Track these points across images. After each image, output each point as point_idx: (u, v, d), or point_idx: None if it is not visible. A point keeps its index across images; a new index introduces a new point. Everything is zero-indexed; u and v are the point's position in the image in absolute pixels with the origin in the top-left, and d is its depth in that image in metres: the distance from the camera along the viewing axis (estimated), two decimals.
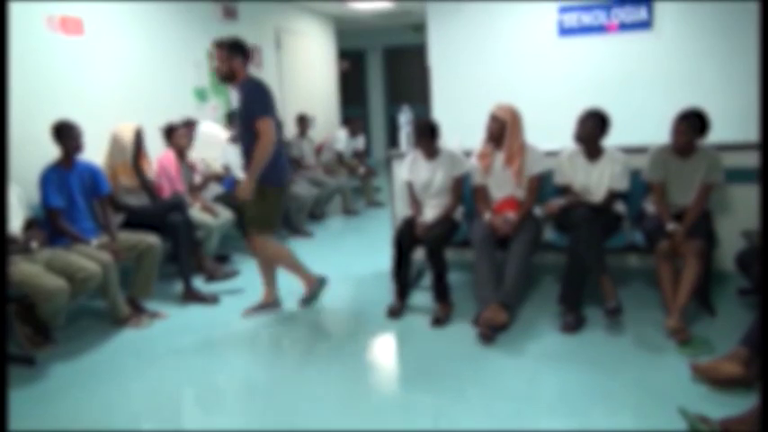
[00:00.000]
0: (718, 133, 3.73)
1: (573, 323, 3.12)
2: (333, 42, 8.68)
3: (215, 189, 4.81)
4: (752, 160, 3.58)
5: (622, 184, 3.38)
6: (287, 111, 6.94)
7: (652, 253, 3.15)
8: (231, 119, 5.24)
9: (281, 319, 3.58)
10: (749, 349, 2.43)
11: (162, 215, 3.83)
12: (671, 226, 3.12)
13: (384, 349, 3.22)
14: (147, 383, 2.83)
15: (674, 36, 5.43)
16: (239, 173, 5.21)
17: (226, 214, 4.46)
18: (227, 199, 4.72)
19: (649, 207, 3.41)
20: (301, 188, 5.60)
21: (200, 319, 3.57)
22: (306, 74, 7.68)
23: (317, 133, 7.29)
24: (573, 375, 2.69)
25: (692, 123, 3.18)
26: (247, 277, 4.24)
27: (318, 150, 6.73)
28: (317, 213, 6.08)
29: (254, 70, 6.19)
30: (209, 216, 4.29)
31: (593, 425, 2.31)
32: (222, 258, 4.63)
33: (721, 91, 5.36)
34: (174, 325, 3.50)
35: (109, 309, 3.42)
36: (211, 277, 4.11)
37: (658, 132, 3.42)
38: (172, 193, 4.19)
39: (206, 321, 3.54)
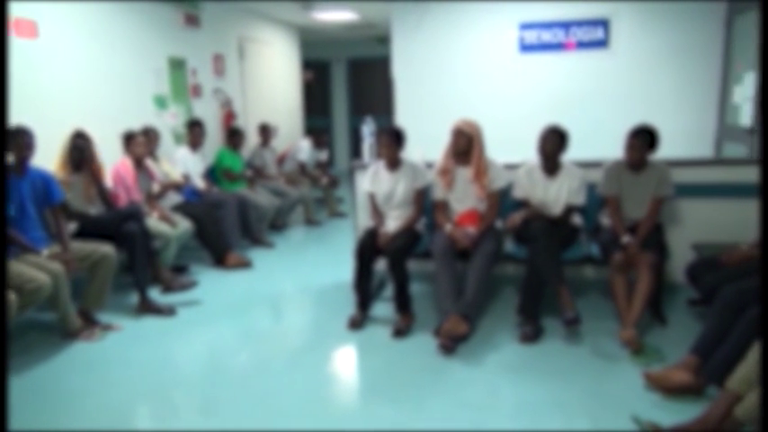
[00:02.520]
0: (670, 149, 3.88)
1: (531, 334, 3.17)
2: (297, 52, 8.67)
3: (174, 198, 4.72)
4: (701, 176, 3.73)
5: (579, 199, 3.46)
6: (249, 120, 6.89)
7: (607, 265, 3.24)
8: (192, 127, 5.17)
9: (241, 331, 3.52)
10: (698, 358, 2.51)
11: (117, 224, 3.72)
12: (625, 238, 3.21)
13: (345, 361, 3.20)
14: (99, 398, 2.73)
15: (628, 55, 5.64)
16: (199, 181, 5.14)
17: (185, 224, 4.37)
18: (187, 208, 4.64)
19: (605, 220, 3.50)
20: (263, 198, 5.54)
21: (156, 332, 3.48)
22: (269, 83, 7.64)
23: (279, 143, 7.24)
24: (531, 385, 2.73)
25: (644, 139, 3.30)
26: (206, 288, 4.16)
27: (281, 160, 6.68)
28: (278, 224, 6.02)
29: (216, 79, 6.18)
30: (167, 226, 4.20)
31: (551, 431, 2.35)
32: (180, 269, 4.54)
33: (673, 108, 5.59)
34: (128, 337, 3.40)
35: (59, 321, 3.30)
36: (168, 288, 4.02)
37: (614, 147, 3.53)
38: (128, 201, 4.09)
39: (162, 333, 3.45)
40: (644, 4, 5.51)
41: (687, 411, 2.30)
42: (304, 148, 6.67)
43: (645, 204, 3.35)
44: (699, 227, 3.72)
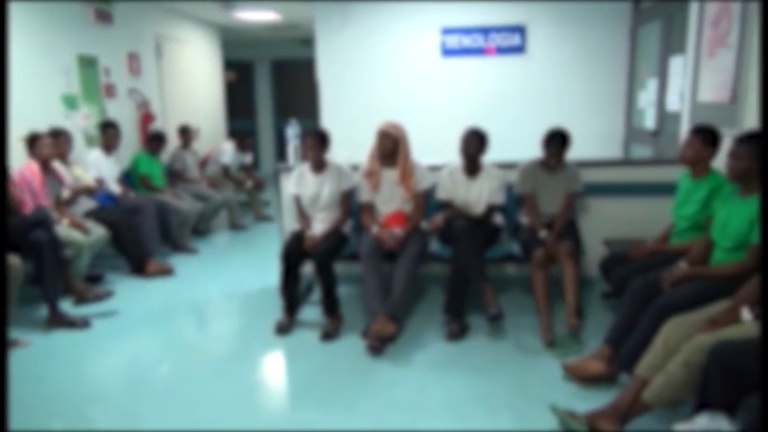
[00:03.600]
0: (582, 150, 4.08)
1: (457, 331, 3.24)
2: (218, 52, 8.45)
3: (86, 204, 4.46)
4: (611, 175, 3.95)
5: (499, 198, 3.58)
6: (168, 121, 6.64)
7: (528, 262, 3.36)
8: (105, 129, 4.91)
9: (163, 341, 3.38)
10: (610, 347, 2.66)
11: (23, 232, 3.47)
12: (543, 233, 3.36)
13: (272, 367, 3.14)
14: (8, 419, 2.53)
15: (544, 60, 5.90)
16: (114, 186, 4.89)
17: (98, 231, 4.14)
18: (101, 214, 4.40)
19: (524, 219, 3.64)
20: (184, 202, 5.35)
21: (69, 346, 3.28)
22: (189, 84, 7.39)
23: (201, 145, 7.02)
24: (457, 381, 2.79)
25: (558, 143, 3.46)
26: (123, 298, 3.96)
27: (203, 163, 6.48)
28: (201, 229, 5.83)
29: (131, 79, 5.91)
30: (78, 233, 3.96)
31: (476, 427, 2.42)
32: (94, 279, 4.30)
33: (585, 112, 5.89)
34: (37, 353, 3.18)
35: None
36: (81, 299, 3.79)
37: (532, 148, 3.68)
38: (35, 207, 3.82)
39: (76, 347, 3.26)
40: (557, 12, 5.78)
41: (602, 399, 2.42)
42: (227, 151, 6.50)
43: (559, 200, 3.54)
44: (610, 224, 3.93)
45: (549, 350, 3.05)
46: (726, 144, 2.77)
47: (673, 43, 4.57)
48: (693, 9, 3.99)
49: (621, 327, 2.66)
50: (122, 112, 5.68)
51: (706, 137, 2.88)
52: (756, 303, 2.16)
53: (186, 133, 6.10)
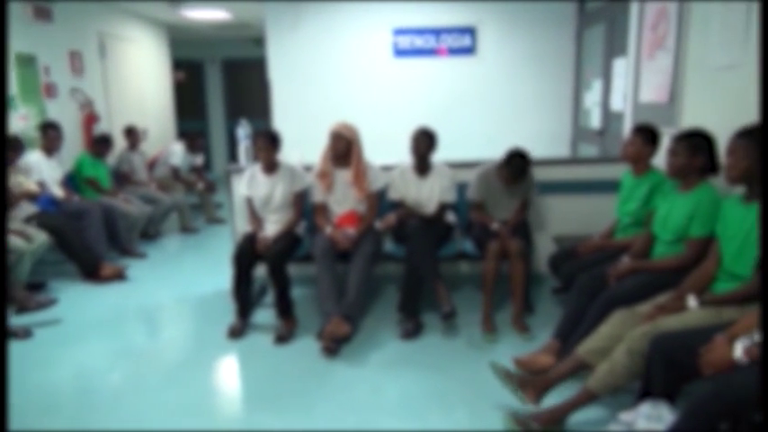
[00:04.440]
0: (531, 149, 4.15)
1: (412, 330, 3.27)
2: (166, 51, 8.24)
3: (27, 209, 4.27)
4: (560, 174, 4.05)
5: (450, 197, 3.63)
6: (114, 122, 6.43)
7: (482, 258, 3.40)
8: (46, 130, 4.72)
9: (112, 348, 3.27)
10: (559, 341, 2.74)
11: None
12: (495, 225, 3.41)
13: (226, 371, 3.09)
14: None
15: (494, 62, 6.01)
16: (57, 189, 4.71)
17: (40, 237, 3.98)
18: (44, 219, 4.23)
19: (474, 195, 3.66)
20: (132, 206, 5.19)
21: (10, 357, 3.13)
22: (136, 83, 7.19)
23: (150, 147, 6.84)
24: (413, 380, 2.81)
25: (516, 165, 3.39)
26: (69, 305, 3.82)
27: (151, 165, 6.31)
28: (150, 232, 5.68)
29: (73, 78, 5.69)
30: (19, 239, 3.79)
31: (431, 424, 2.44)
32: (36, 286, 4.12)
33: (535, 112, 6.03)
34: None
35: None
36: (23, 308, 3.63)
37: (482, 148, 3.75)
38: None
39: (17, 359, 3.11)
40: (505, 14, 5.90)
41: (552, 392, 2.48)
42: (177, 152, 6.33)
43: (511, 211, 3.61)
44: (559, 221, 4.04)
45: (484, 338, 3.21)
46: (665, 142, 2.89)
47: (615, 45, 4.73)
48: (633, 12, 4.14)
49: (570, 321, 2.74)
50: (64, 113, 5.47)
51: (646, 135, 3.00)
52: (701, 292, 2.27)
53: (133, 134, 5.93)
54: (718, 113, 3.09)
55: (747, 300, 2.09)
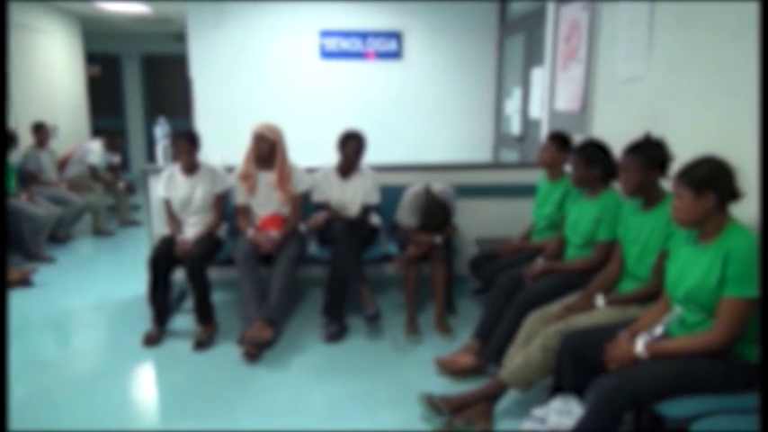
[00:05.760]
0: (455, 154, 4.29)
1: (336, 333, 3.26)
2: (79, 44, 7.80)
3: None
4: (482, 178, 4.16)
5: (374, 199, 3.64)
6: (20, 118, 6.01)
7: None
8: None
9: (16, 361, 3.04)
10: (479, 341, 2.82)
11: None
12: (438, 239, 3.38)
13: (142, 381, 2.95)
14: None
15: (419, 67, 6.10)
16: None
17: None
18: None
19: (404, 220, 3.71)
20: (39, 207, 4.87)
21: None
22: (44, 77, 6.75)
23: (61, 145, 6.45)
24: (337, 383, 2.81)
25: (439, 217, 3.44)
26: None
27: (62, 164, 5.94)
28: (60, 235, 5.35)
29: None
30: None
31: (356, 426, 2.45)
32: None
33: (458, 117, 6.18)
34: None
35: None
36: None
37: (408, 152, 3.80)
38: None
39: None
40: (430, 21, 6.01)
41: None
42: (95, 150, 5.98)
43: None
44: (481, 224, 4.15)
45: (407, 339, 3.25)
46: None
47: (534, 55, 4.94)
48: (549, 24, 4.34)
49: (489, 321, 2.83)
50: None
51: (560, 142, 3.15)
52: (607, 292, 2.41)
53: (41, 131, 5.56)
54: (625, 122, 3.29)
55: (648, 299, 2.24)
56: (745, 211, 2.00)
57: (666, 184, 2.32)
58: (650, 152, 2.25)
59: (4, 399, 1.90)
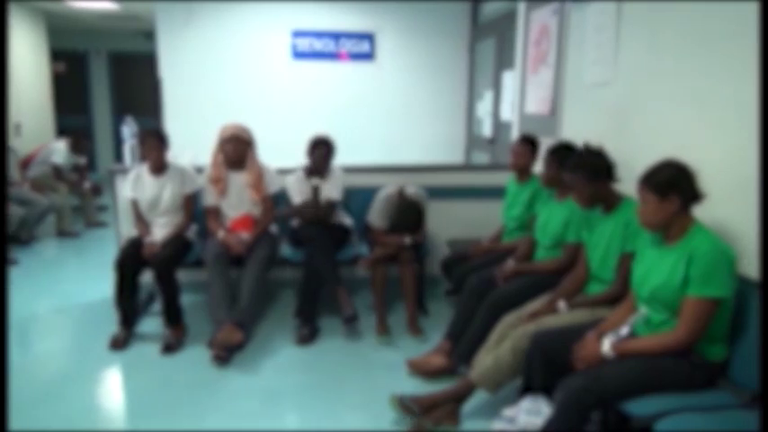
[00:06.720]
0: (427, 155, 4.30)
1: (308, 335, 3.24)
2: (44, 40, 7.59)
3: None
4: (454, 179, 4.19)
5: (335, 195, 3.53)
6: None
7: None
8: None
9: None
10: (451, 342, 2.83)
11: None
12: (408, 239, 3.40)
13: (108, 385, 2.89)
14: None
15: (392, 68, 6.11)
16: None
17: None
18: None
19: (375, 221, 3.71)
20: None
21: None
22: (6, 74, 6.55)
23: (24, 144, 6.27)
24: (308, 385, 2.79)
25: (414, 220, 3.45)
26: None
27: (26, 163, 5.78)
28: (23, 237, 5.20)
29: None
30: None
31: (326, 427, 2.44)
32: None
33: (430, 119, 6.21)
34: None
35: None
36: None
37: (381, 153, 3.79)
38: None
39: None
40: (402, 23, 6.03)
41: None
42: (59, 150, 5.83)
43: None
44: (452, 225, 4.18)
45: (378, 341, 3.25)
46: (542, 152, 3.08)
47: (504, 59, 4.99)
48: (519, 28, 4.39)
49: (460, 322, 2.84)
50: None
51: (529, 145, 3.19)
52: (570, 296, 2.45)
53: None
54: (592, 125, 3.35)
55: (613, 302, 2.29)
56: (708, 213, 2.06)
57: (622, 187, 2.40)
58: (592, 165, 2.33)
59: (4, 399, 1.87)
